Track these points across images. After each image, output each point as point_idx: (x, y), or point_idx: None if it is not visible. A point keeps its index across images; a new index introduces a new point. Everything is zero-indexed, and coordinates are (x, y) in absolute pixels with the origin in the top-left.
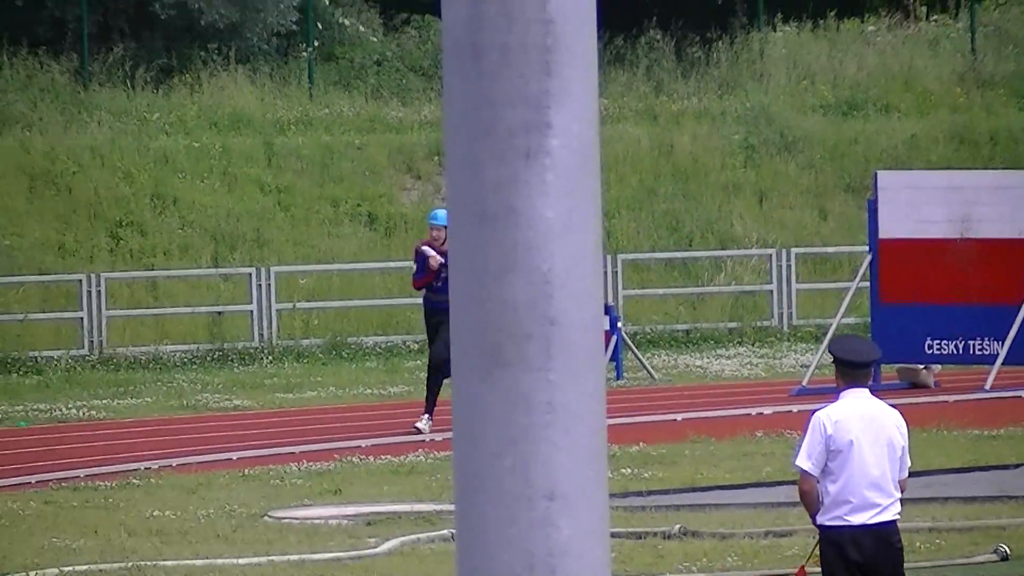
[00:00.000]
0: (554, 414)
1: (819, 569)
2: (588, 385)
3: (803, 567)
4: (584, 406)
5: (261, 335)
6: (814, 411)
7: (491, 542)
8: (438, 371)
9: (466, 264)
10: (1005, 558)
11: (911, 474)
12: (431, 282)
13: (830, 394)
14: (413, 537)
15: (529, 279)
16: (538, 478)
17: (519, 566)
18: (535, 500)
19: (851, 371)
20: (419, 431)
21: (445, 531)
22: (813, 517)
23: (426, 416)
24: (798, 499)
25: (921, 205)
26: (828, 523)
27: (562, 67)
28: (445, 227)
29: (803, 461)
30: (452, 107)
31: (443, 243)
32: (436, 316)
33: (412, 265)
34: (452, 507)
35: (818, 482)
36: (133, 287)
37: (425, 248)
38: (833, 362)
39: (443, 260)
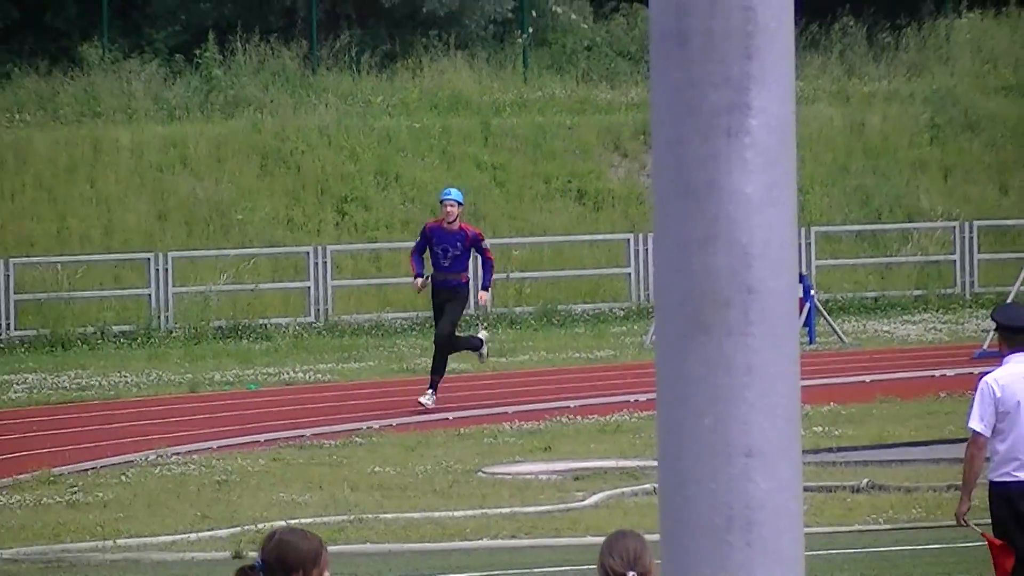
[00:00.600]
0: (752, 376)
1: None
2: (783, 349)
3: (984, 533)
4: (780, 369)
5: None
6: (982, 375)
7: (692, 496)
8: (440, 349)
9: (669, 235)
10: None
11: None
12: (417, 265)
13: None
14: (618, 491)
15: (729, 250)
16: (736, 436)
17: (718, 518)
18: (734, 457)
19: (1013, 336)
20: (423, 406)
21: (647, 485)
22: (969, 478)
23: (430, 391)
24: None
25: None
26: (998, 479)
27: (762, 51)
28: (458, 203)
29: (975, 423)
30: (658, 89)
31: (454, 220)
32: (442, 295)
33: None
34: (654, 463)
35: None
36: (357, 258)
37: (429, 228)
38: (996, 329)
39: (421, 284)
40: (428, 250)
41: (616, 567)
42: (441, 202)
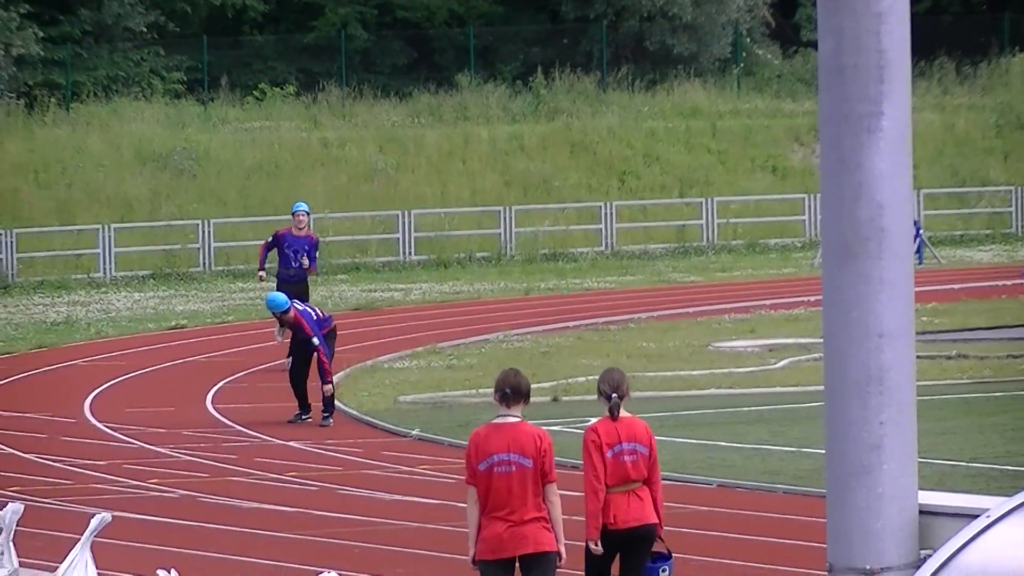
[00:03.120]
0: (883, 284)
1: None
2: (903, 267)
3: None
4: (900, 279)
5: (710, 239)
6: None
7: (845, 361)
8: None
9: (832, 195)
10: None
11: None
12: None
13: None
14: (798, 358)
15: (869, 204)
16: (873, 323)
17: (861, 376)
18: (870, 336)
19: None
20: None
21: (816, 355)
22: None
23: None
24: None
25: None
26: None
27: (889, 78)
28: (306, 213)
29: None
30: (824, 102)
31: (303, 228)
32: (290, 287)
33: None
34: (820, 340)
35: None
36: (632, 209)
37: (281, 234)
38: None
39: (262, 274)
40: (278, 251)
41: (605, 390)
42: (293, 213)
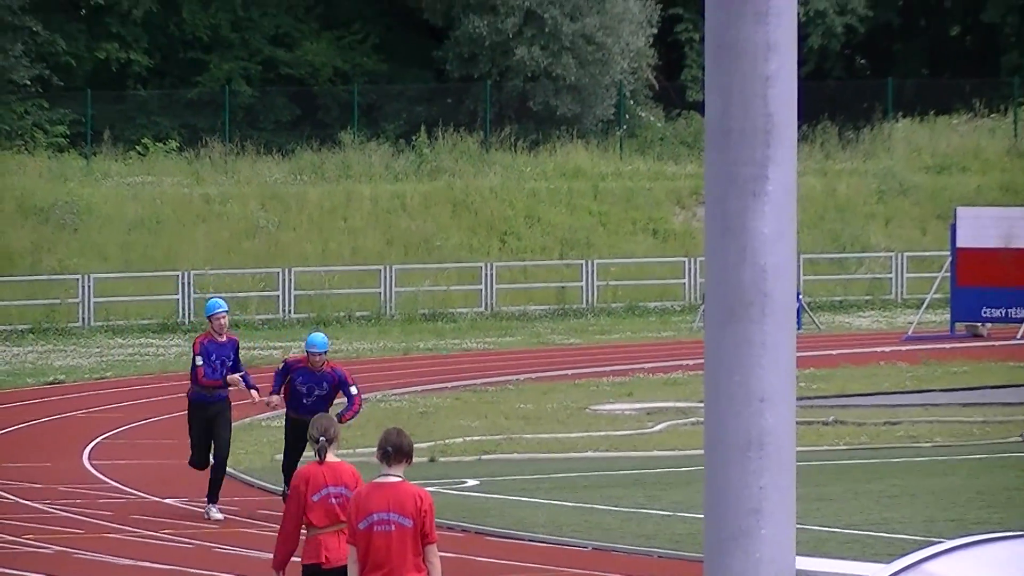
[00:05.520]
0: (765, 349)
1: None
2: (785, 331)
3: None
4: (782, 344)
5: (590, 301)
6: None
7: (725, 425)
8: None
9: (715, 258)
10: None
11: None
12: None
13: (928, 340)
14: (677, 421)
15: (752, 268)
16: (754, 387)
17: (741, 440)
18: (752, 401)
19: None
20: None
21: (695, 419)
22: None
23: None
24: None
25: (982, 228)
26: None
27: (775, 142)
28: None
29: None
30: (710, 165)
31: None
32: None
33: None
34: (700, 404)
35: None
36: (512, 271)
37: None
38: None
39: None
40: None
41: (314, 434)
42: (210, 317)
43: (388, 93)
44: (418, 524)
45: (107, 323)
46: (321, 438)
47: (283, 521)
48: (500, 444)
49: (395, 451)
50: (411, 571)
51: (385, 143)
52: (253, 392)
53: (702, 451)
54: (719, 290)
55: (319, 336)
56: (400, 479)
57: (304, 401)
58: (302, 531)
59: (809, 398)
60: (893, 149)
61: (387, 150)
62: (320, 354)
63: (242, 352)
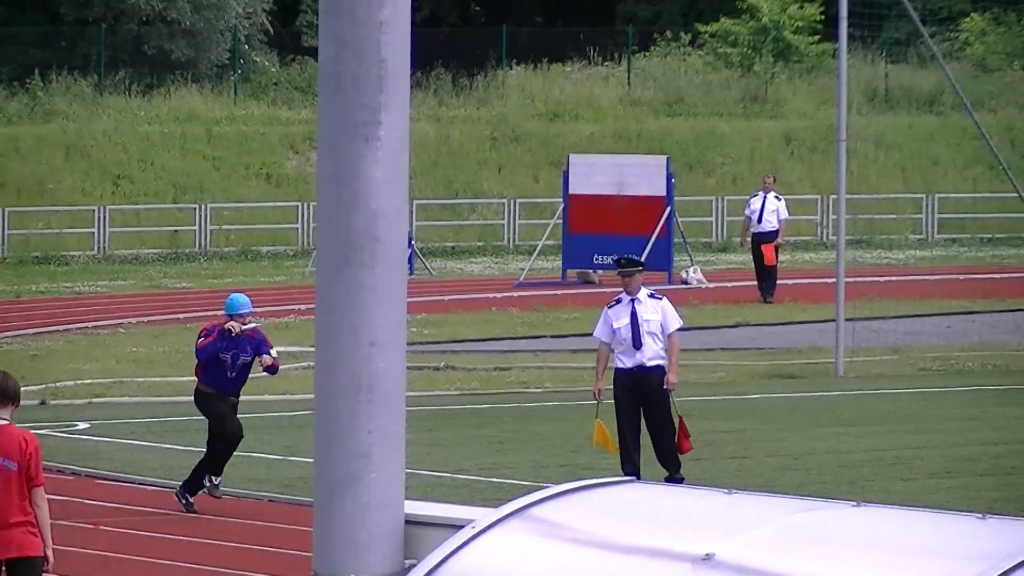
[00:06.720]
0: (375, 294)
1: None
2: (396, 277)
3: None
4: (393, 289)
5: (203, 245)
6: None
7: (336, 369)
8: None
9: (327, 204)
10: None
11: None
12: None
13: (540, 287)
14: (289, 366)
15: (364, 213)
16: (364, 332)
17: (352, 385)
18: (362, 345)
19: None
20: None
21: (306, 363)
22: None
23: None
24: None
25: (594, 175)
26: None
27: (389, 88)
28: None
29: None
30: (323, 111)
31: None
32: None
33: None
34: (312, 348)
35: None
36: (126, 214)
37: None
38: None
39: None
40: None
41: None
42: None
43: (2, 36)
44: (23, 467)
45: None
46: None
47: None
48: (111, 388)
49: (1, 394)
50: (17, 514)
51: None
52: None
53: (314, 396)
54: (331, 235)
55: (242, 296)
56: (7, 422)
57: (229, 374)
58: None
59: (421, 343)
60: (507, 96)
61: (1, 92)
62: (249, 314)
63: None
